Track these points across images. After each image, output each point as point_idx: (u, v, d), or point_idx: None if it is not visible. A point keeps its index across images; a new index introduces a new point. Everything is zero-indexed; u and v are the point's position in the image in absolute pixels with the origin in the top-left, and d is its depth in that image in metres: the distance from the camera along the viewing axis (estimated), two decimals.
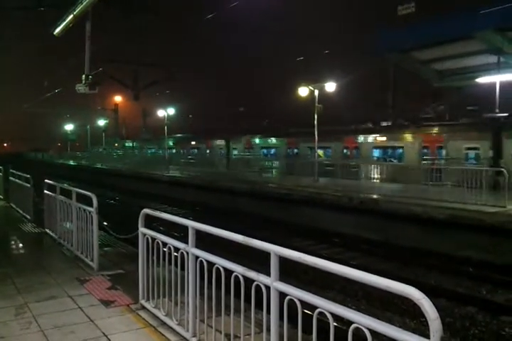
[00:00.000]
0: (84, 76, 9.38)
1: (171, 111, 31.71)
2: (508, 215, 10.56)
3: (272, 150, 29.67)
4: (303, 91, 20.69)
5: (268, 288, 2.81)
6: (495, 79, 15.83)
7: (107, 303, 4.68)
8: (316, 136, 19.83)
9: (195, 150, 38.81)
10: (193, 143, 38.30)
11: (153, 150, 44.22)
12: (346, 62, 30.26)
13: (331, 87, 19.97)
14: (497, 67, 15.12)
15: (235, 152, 32.40)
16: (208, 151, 36.17)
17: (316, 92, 19.69)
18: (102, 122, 49.59)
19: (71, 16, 8.36)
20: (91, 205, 5.88)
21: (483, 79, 15.06)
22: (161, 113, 32.65)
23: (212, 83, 52.44)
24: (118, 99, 52.83)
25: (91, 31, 9.11)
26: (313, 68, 27.90)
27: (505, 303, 7.71)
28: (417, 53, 17.55)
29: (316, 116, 19.66)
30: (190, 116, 51.70)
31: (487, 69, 16.17)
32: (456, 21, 15.00)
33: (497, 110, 18.51)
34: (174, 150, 40.85)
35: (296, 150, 27.13)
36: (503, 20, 13.69)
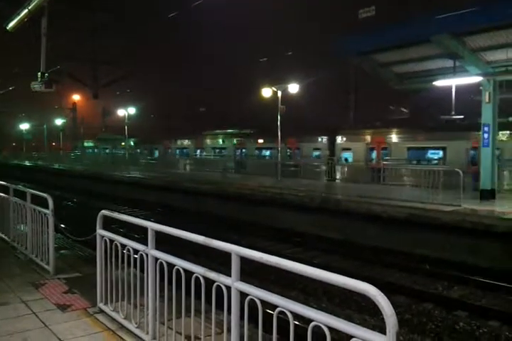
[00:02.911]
0: (40, 74, 9.05)
1: (132, 110, 31.19)
2: (464, 214, 10.91)
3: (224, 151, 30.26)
4: (266, 92, 20.81)
5: (229, 288, 2.79)
6: (451, 82, 16.33)
7: (63, 308, 4.53)
8: (280, 136, 20.05)
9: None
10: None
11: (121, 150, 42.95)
12: (309, 64, 30.70)
13: (294, 88, 20.18)
14: (453, 71, 15.58)
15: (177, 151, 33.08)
16: (169, 151, 35.82)
17: (279, 93, 19.85)
18: (59, 121, 48.01)
19: (25, 11, 8.05)
20: (47, 207, 5.69)
21: (439, 83, 15.47)
22: (121, 112, 32.06)
23: (174, 82, 51.82)
24: (76, 97, 51.37)
25: (47, 28, 8.79)
26: (276, 69, 28.16)
27: (460, 299, 7.98)
28: (376, 56, 17.85)
29: (279, 117, 19.86)
30: (152, 115, 50.97)
31: (444, 72, 16.62)
32: (414, 25, 15.35)
33: (453, 112, 19.20)
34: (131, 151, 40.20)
35: (244, 151, 28.45)
36: (457, 25, 14.10)
